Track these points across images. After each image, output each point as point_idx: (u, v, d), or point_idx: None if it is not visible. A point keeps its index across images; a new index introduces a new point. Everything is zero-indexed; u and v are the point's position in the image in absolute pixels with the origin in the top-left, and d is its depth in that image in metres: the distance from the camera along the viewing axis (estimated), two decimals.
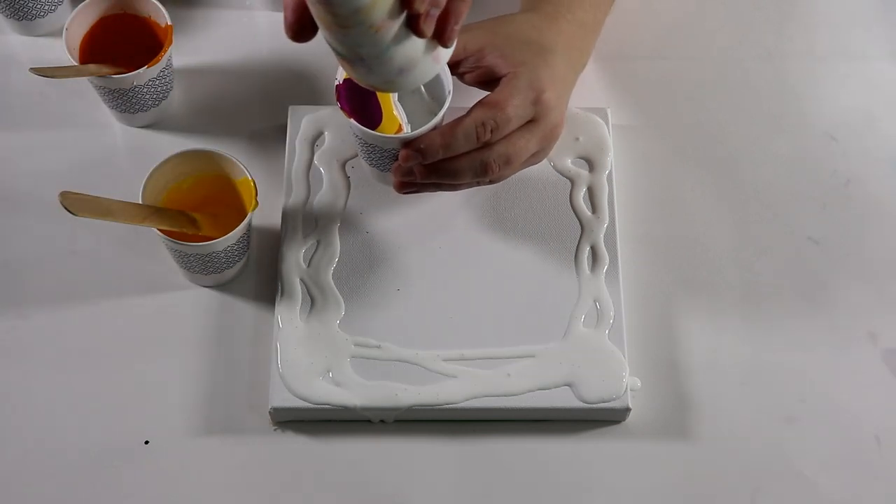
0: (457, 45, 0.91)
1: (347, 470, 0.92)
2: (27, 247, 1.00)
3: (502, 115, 0.88)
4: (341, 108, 0.91)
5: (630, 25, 1.10)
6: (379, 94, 0.92)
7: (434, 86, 0.93)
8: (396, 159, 0.91)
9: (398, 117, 0.91)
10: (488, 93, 0.91)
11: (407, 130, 0.90)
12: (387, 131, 0.91)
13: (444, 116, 0.90)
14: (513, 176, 0.93)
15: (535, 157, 0.93)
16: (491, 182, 0.92)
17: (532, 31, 0.93)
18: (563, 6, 0.95)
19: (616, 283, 0.97)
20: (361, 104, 0.92)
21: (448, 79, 0.91)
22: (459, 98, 0.92)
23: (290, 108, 1.03)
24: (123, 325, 0.97)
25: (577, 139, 1.02)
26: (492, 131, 0.88)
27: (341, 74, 0.92)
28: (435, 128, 0.89)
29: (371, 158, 0.94)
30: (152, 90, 1.01)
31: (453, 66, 0.92)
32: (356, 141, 0.94)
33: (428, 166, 0.89)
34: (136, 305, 0.98)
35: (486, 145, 0.89)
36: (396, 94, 0.92)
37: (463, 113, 0.89)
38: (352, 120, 0.90)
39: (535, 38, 0.92)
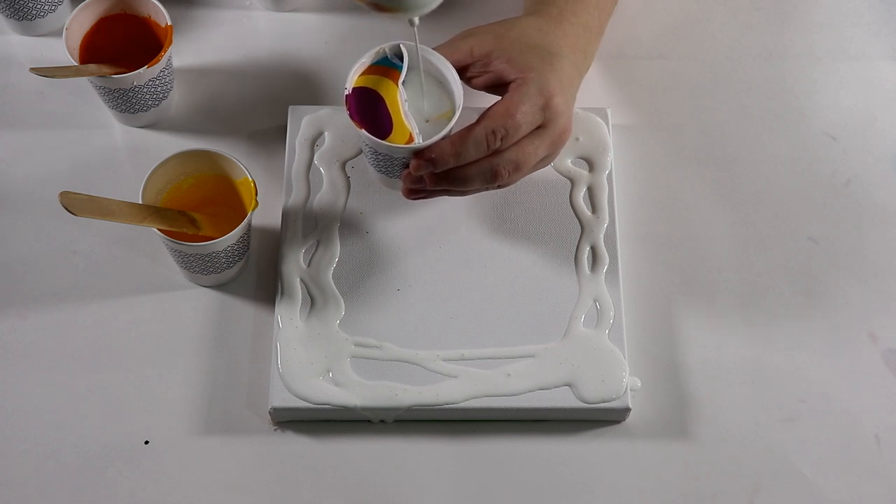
0: (463, 50, 0.91)
1: (347, 470, 0.92)
2: (27, 247, 1.00)
3: (512, 122, 0.88)
4: (350, 117, 0.90)
5: (630, 25, 1.10)
6: (388, 102, 0.92)
7: (445, 92, 0.93)
8: (406, 166, 0.91)
9: (408, 126, 0.91)
10: (494, 97, 0.91)
11: (418, 140, 0.90)
12: (397, 140, 0.90)
13: (454, 126, 0.90)
14: (508, 187, 0.94)
15: (543, 162, 0.93)
16: (499, 187, 0.92)
17: (538, 34, 0.93)
18: (567, 9, 0.95)
19: (616, 283, 0.97)
20: (371, 113, 0.91)
21: (458, 87, 0.91)
22: (468, 103, 0.92)
23: (290, 108, 1.03)
24: (123, 325, 0.97)
25: (577, 139, 1.02)
26: (502, 139, 0.88)
27: (350, 83, 0.92)
28: (445, 136, 0.89)
29: (379, 165, 0.94)
30: (152, 90, 1.01)
31: (460, 70, 0.92)
32: (364, 149, 0.94)
33: (438, 174, 0.90)
34: (136, 305, 0.98)
35: (496, 152, 0.89)
36: (407, 104, 0.91)
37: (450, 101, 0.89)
38: (362, 131, 0.90)
39: (541, 42, 0.92)
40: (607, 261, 0.97)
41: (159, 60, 0.99)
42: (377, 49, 0.92)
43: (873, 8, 1.12)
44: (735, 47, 1.10)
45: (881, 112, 1.07)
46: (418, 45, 0.89)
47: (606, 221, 0.99)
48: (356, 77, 0.92)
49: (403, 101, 0.91)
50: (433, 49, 0.92)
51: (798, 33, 1.11)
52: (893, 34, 1.11)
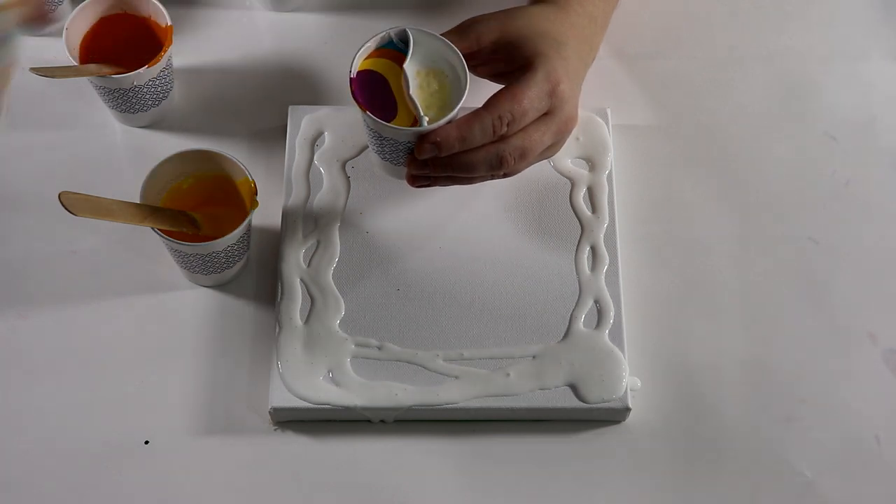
0: (470, 37, 0.91)
1: (347, 470, 0.92)
2: (27, 247, 1.00)
3: (519, 107, 0.88)
4: (355, 100, 0.90)
5: (630, 25, 1.10)
6: (392, 86, 0.91)
7: (450, 78, 0.93)
8: (410, 152, 0.91)
9: (413, 110, 0.90)
10: (501, 86, 0.91)
11: (423, 124, 0.90)
12: (402, 124, 0.90)
13: (459, 110, 0.89)
14: (513, 175, 0.93)
15: (549, 150, 0.93)
16: (505, 175, 0.92)
17: (545, 23, 0.93)
18: None
19: (616, 283, 0.97)
20: (375, 96, 0.91)
21: (465, 72, 0.91)
22: (471, 96, 0.92)
23: (290, 108, 1.03)
24: (123, 325, 0.97)
25: (578, 139, 1.02)
26: (508, 124, 0.88)
27: (355, 68, 0.91)
28: (451, 121, 0.89)
29: (383, 152, 0.93)
30: (152, 90, 1.01)
31: (466, 58, 0.91)
32: (369, 134, 0.94)
33: (443, 159, 0.89)
34: (136, 305, 0.98)
35: (502, 138, 0.89)
36: (411, 87, 0.91)
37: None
38: (367, 113, 0.89)
39: (548, 30, 0.92)
40: (607, 261, 0.97)
41: (159, 60, 0.99)
42: (382, 33, 0.92)
43: (873, 8, 1.12)
44: (735, 47, 1.10)
45: (881, 112, 1.07)
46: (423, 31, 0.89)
47: (606, 221, 0.99)
48: (361, 61, 0.92)
49: (408, 86, 0.91)
50: (440, 35, 0.91)
51: (798, 33, 1.11)
52: (893, 34, 1.11)
